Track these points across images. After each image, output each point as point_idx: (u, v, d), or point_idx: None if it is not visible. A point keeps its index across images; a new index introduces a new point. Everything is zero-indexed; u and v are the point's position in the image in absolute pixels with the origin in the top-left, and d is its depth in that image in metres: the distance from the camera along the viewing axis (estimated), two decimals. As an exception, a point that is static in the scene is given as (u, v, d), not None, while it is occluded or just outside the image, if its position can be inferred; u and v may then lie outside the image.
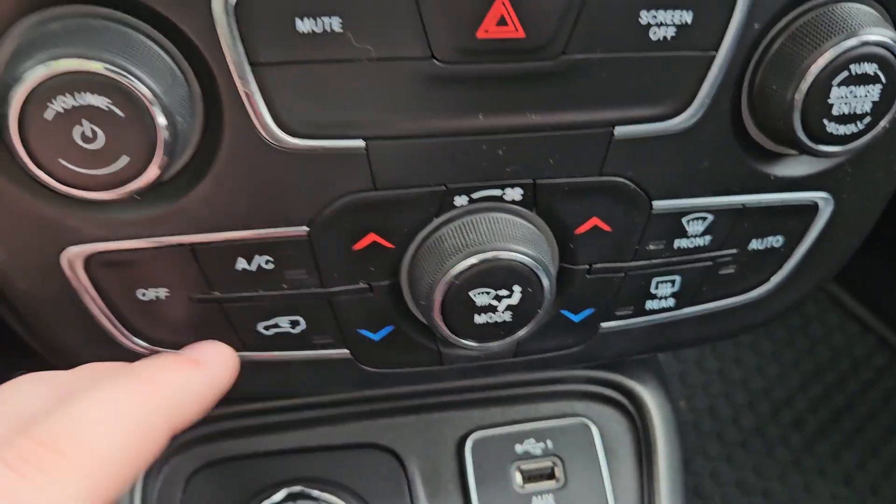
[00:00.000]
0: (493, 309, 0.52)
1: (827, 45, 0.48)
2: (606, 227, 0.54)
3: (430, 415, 0.72)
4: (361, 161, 0.47)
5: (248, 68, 0.43)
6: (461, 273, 0.50)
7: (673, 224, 0.55)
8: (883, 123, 0.51)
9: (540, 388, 0.74)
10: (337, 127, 0.46)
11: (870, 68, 0.49)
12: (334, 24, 0.43)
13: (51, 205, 0.46)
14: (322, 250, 0.50)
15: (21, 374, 0.45)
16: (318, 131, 0.46)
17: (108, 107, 0.40)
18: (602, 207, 0.53)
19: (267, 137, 0.45)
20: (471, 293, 0.51)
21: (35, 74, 0.39)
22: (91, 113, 0.40)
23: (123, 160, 0.42)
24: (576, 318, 0.59)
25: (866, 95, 0.49)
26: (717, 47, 0.48)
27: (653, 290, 0.59)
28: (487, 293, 0.51)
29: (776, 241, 0.59)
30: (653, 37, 0.47)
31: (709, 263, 0.59)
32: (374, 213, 0.50)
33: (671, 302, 0.60)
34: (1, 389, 0.43)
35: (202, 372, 0.48)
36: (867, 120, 0.50)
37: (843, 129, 0.50)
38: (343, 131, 0.46)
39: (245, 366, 0.54)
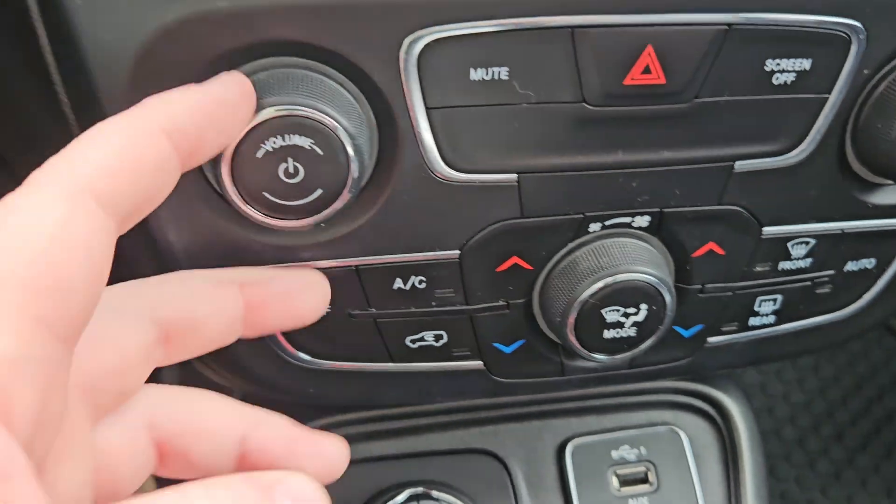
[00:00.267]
0: (620, 325, 0.57)
1: (931, 88, 0.53)
2: (720, 251, 0.59)
3: (532, 423, 0.78)
4: (512, 193, 0.53)
5: (423, 111, 0.49)
6: (595, 293, 0.56)
7: (779, 248, 0.61)
8: None
9: (632, 398, 0.79)
10: (494, 162, 0.52)
11: (969, 109, 0.54)
12: (503, 73, 0.48)
13: (238, 232, 0.51)
14: (469, 271, 0.56)
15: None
16: (477, 167, 0.52)
17: (310, 146, 0.46)
18: (718, 233, 0.58)
19: (433, 172, 0.51)
20: (603, 311, 0.56)
21: (255, 118, 0.45)
22: (295, 152, 0.46)
23: (318, 192, 0.47)
24: (686, 334, 0.64)
25: None
26: (830, 90, 0.54)
27: (756, 308, 0.64)
28: (617, 311, 0.57)
29: (869, 262, 0.64)
30: (775, 81, 0.52)
31: (808, 283, 0.64)
32: (519, 239, 0.55)
33: (772, 319, 0.65)
34: None
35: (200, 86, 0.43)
36: None
37: (941, 164, 0.55)
38: (499, 166, 0.52)
39: (391, 376, 0.60)
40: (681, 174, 0.55)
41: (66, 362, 0.35)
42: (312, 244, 0.53)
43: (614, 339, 0.58)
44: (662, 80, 0.50)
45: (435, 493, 0.71)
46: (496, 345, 0.61)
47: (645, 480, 0.77)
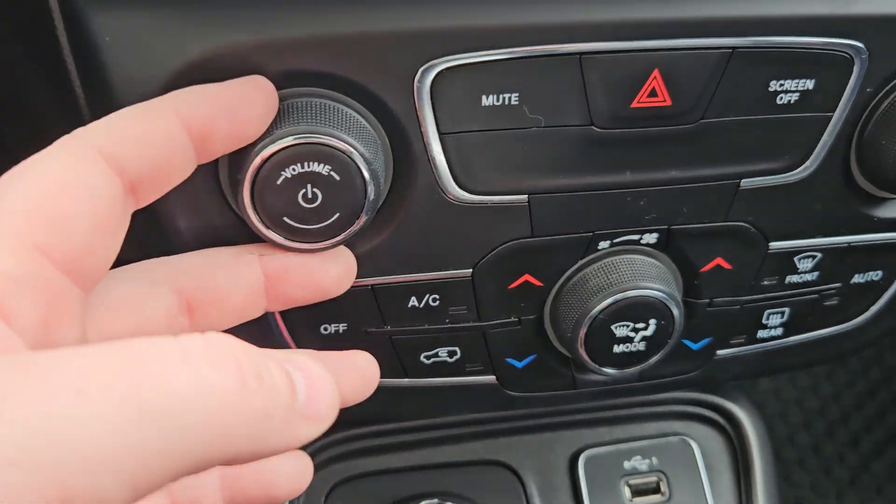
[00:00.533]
0: (630, 340, 0.59)
1: (932, 106, 0.54)
2: (728, 266, 0.61)
3: (544, 434, 0.79)
4: (523, 213, 0.54)
5: (436, 136, 0.50)
6: (605, 309, 0.57)
7: (786, 262, 0.62)
8: None
9: (643, 409, 0.80)
10: (505, 184, 0.53)
11: (970, 126, 0.55)
12: (513, 98, 0.50)
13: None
14: (481, 289, 0.57)
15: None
16: (488, 188, 0.53)
17: (328, 172, 0.47)
18: (725, 248, 0.60)
19: (446, 195, 0.52)
20: (612, 326, 0.58)
21: (272, 147, 0.46)
22: (314, 178, 0.47)
23: (335, 216, 0.49)
24: (695, 347, 0.65)
25: None
26: (833, 109, 0.55)
27: (764, 321, 0.65)
28: (627, 326, 0.58)
29: (876, 275, 0.65)
30: (779, 101, 0.54)
31: (815, 296, 0.65)
32: (529, 257, 0.57)
33: (780, 331, 0.66)
34: None
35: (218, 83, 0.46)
36: None
37: (944, 179, 0.57)
38: (510, 188, 0.53)
39: (407, 391, 0.61)
40: (688, 192, 0.56)
41: (72, 292, 0.38)
42: None
43: (624, 353, 0.59)
44: (669, 103, 0.52)
45: (450, 504, 0.72)
46: (508, 360, 0.62)
47: (657, 490, 0.78)
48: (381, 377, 0.61)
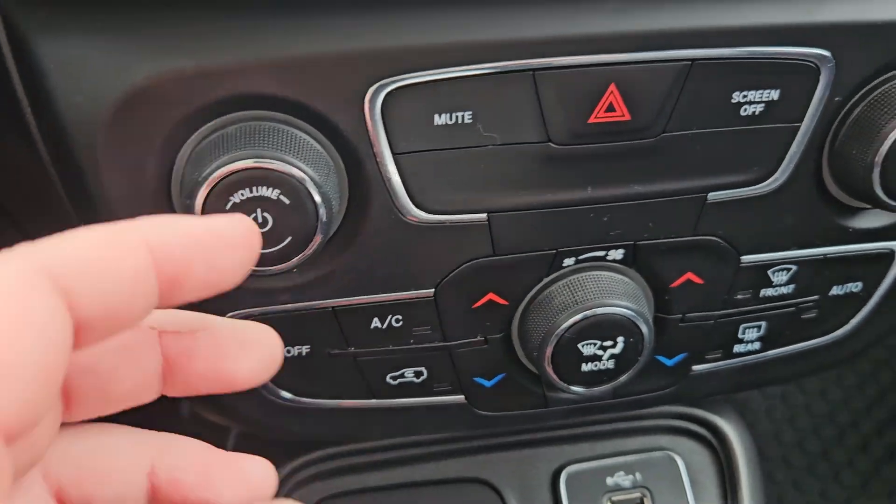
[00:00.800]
0: (598, 358, 0.58)
1: (905, 113, 0.53)
2: (699, 280, 0.59)
3: (525, 450, 0.78)
4: (483, 232, 0.53)
5: (390, 157, 0.50)
6: (571, 327, 0.56)
7: (759, 275, 0.60)
8: None
9: (627, 423, 0.79)
10: (463, 203, 0.52)
11: (943, 133, 0.53)
12: (466, 117, 0.49)
13: (215, 277, 0.53)
14: (445, 309, 0.57)
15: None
16: (447, 207, 0.52)
17: (278, 196, 0.47)
18: (695, 263, 0.58)
19: (404, 215, 0.52)
20: (579, 345, 0.57)
21: (219, 172, 0.46)
22: (263, 202, 0.47)
23: (287, 240, 0.48)
24: (669, 363, 0.64)
25: None
26: (801, 119, 0.53)
27: (740, 335, 0.64)
28: (594, 344, 0.57)
29: (855, 286, 0.64)
30: (743, 113, 0.52)
31: (792, 309, 0.63)
32: (492, 276, 0.56)
33: (757, 345, 0.65)
34: None
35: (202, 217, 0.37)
36: None
37: (919, 187, 0.55)
38: (468, 207, 0.52)
39: (374, 412, 0.60)
40: (653, 207, 0.55)
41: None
42: (289, 287, 0.54)
43: (592, 371, 0.58)
44: (627, 117, 0.51)
45: (429, 523, 0.72)
46: (477, 379, 0.61)
47: (641, 506, 0.77)
48: (348, 398, 0.61)
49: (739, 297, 0.61)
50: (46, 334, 0.30)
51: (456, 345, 0.59)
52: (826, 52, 0.51)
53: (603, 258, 0.57)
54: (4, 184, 0.60)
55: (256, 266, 0.49)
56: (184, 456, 0.40)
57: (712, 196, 0.55)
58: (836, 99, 0.53)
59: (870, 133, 0.54)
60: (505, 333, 0.60)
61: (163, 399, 0.48)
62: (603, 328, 0.56)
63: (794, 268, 0.61)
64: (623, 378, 0.59)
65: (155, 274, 0.34)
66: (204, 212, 0.47)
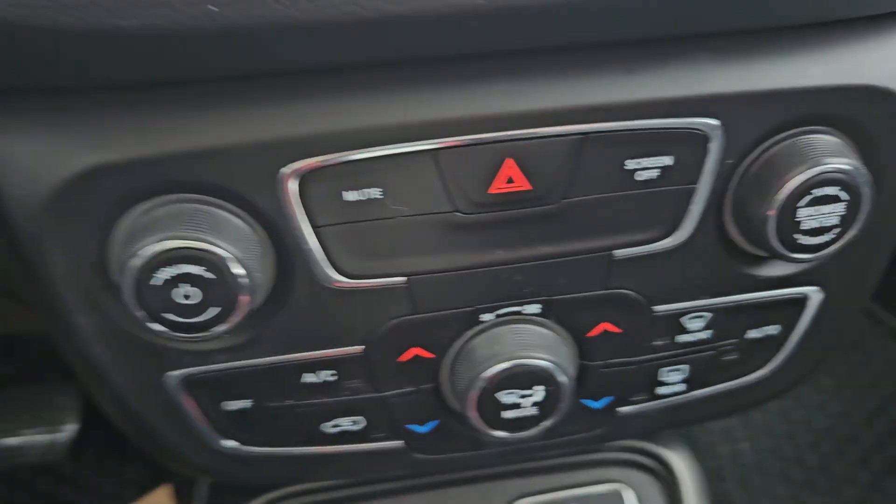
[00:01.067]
0: (518, 406, 0.62)
1: (792, 173, 0.56)
2: (616, 329, 0.63)
3: (479, 485, 0.82)
4: (404, 293, 0.58)
5: (310, 230, 0.54)
6: (491, 378, 0.60)
7: (674, 323, 0.64)
8: (852, 233, 0.59)
9: (578, 457, 0.82)
10: (383, 269, 0.57)
11: (832, 190, 0.57)
12: (375, 193, 0.54)
13: (156, 342, 0.57)
14: (375, 363, 0.61)
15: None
16: (368, 272, 0.57)
17: (201, 272, 0.51)
18: (609, 314, 0.62)
19: (326, 281, 0.56)
20: (498, 394, 0.61)
21: (145, 252, 0.50)
22: (189, 277, 0.51)
23: (214, 310, 0.53)
24: (596, 405, 0.68)
25: (832, 212, 0.57)
26: (696, 181, 0.57)
27: (662, 378, 0.67)
28: (514, 393, 0.61)
29: (773, 329, 0.67)
30: (638, 178, 0.56)
31: (711, 352, 0.67)
32: (417, 332, 0.60)
33: (682, 387, 0.68)
34: None
35: None
36: (837, 230, 0.58)
37: (814, 241, 0.58)
38: (387, 271, 0.57)
39: (316, 458, 0.65)
40: (562, 266, 0.59)
41: None
42: (225, 348, 0.59)
43: (516, 418, 0.62)
44: (528, 187, 0.55)
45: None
46: (411, 427, 0.65)
47: (590, 539, 0.80)
48: (290, 446, 0.65)
49: (658, 342, 0.65)
50: None
51: (388, 395, 0.63)
52: (714, 121, 0.55)
53: (520, 313, 0.61)
54: None
55: (188, 333, 0.54)
56: None
57: (619, 253, 0.59)
58: (728, 161, 0.57)
59: (763, 191, 0.57)
60: (435, 384, 0.64)
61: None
62: (522, 378, 0.60)
63: (708, 315, 0.64)
64: (547, 423, 0.63)
65: None
66: (135, 287, 0.51)
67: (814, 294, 0.66)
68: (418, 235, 0.56)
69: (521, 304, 0.61)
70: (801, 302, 0.66)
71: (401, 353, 0.61)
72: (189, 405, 0.61)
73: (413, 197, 0.54)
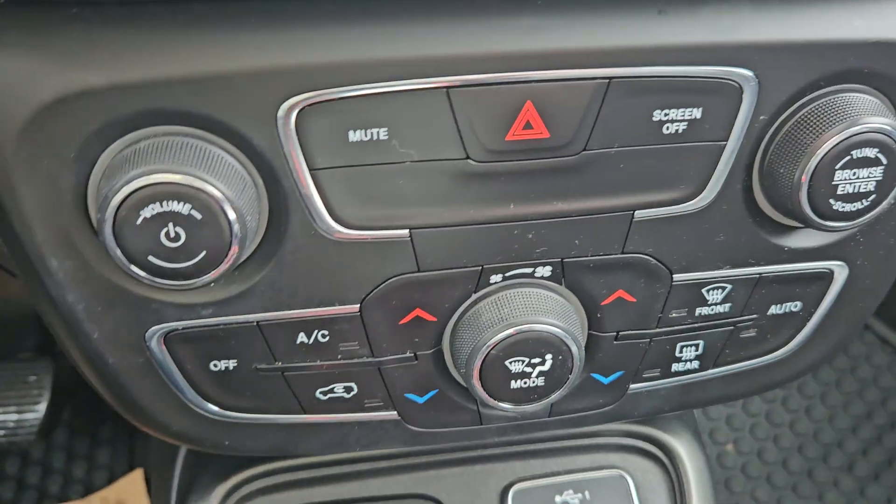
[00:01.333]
0: (527, 375, 0.57)
1: (830, 132, 0.53)
2: (631, 298, 0.59)
3: (474, 467, 0.77)
4: (406, 248, 0.53)
5: (307, 173, 0.50)
6: (498, 343, 0.56)
7: (694, 294, 0.60)
8: (889, 200, 0.55)
9: (577, 441, 0.78)
10: (384, 219, 0.52)
11: (871, 152, 0.53)
12: (381, 133, 0.49)
13: (137, 291, 0.53)
14: (372, 325, 0.56)
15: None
16: (367, 223, 0.52)
17: (189, 212, 0.47)
18: (626, 280, 0.58)
19: (323, 231, 0.52)
20: (506, 362, 0.56)
21: (128, 187, 0.46)
22: (175, 217, 0.47)
23: (202, 254, 0.48)
24: (605, 381, 0.64)
25: (869, 176, 0.54)
26: (726, 138, 0.53)
27: (678, 354, 0.63)
28: (522, 361, 0.57)
29: (794, 306, 0.63)
30: (665, 131, 0.52)
31: (730, 328, 0.63)
32: (418, 292, 0.56)
33: (696, 364, 0.64)
34: None
35: None
36: (872, 198, 0.55)
37: (848, 207, 0.55)
38: (390, 223, 0.52)
39: (304, 427, 0.60)
40: (578, 225, 0.55)
41: None
42: (211, 301, 0.54)
43: (522, 388, 0.58)
44: (546, 135, 0.51)
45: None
46: (409, 395, 0.61)
47: (589, 525, 0.76)
48: (277, 413, 0.61)
49: (674, 315, 0.61)
50: None
51: (385, 361, 0.59)
52: (748, 72, 0.51)
53: (531, 275, 0.57)
54: None
55: (173, 280, 0.49)
56: None
57: (640, 214, 0.55)
58: (762, 118, 0.53)
59: (796, 152, 0.53)
60: (436, 350, 0.59)
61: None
62: (530, 346, 0.56)
63: (728, 286, 0.60)
64: (555, 396, 0.59)
65: None
66: (115, 225, 0.47)
67: (838, 269, 0.62)
68: (425, 184, 0.52)
69: (532, 266, 0.56)
70: (825, 277, 0.62)
71: (400, 316, 0.57)
72: (171, 364, 0.57)
73: (422, 140, 0.50)
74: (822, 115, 0.53)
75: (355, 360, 0.58)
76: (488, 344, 0.56)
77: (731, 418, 1.73)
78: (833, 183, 0.53)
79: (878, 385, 1.81)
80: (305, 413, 0.61)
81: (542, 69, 0.49)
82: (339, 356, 0.58)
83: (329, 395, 0.60)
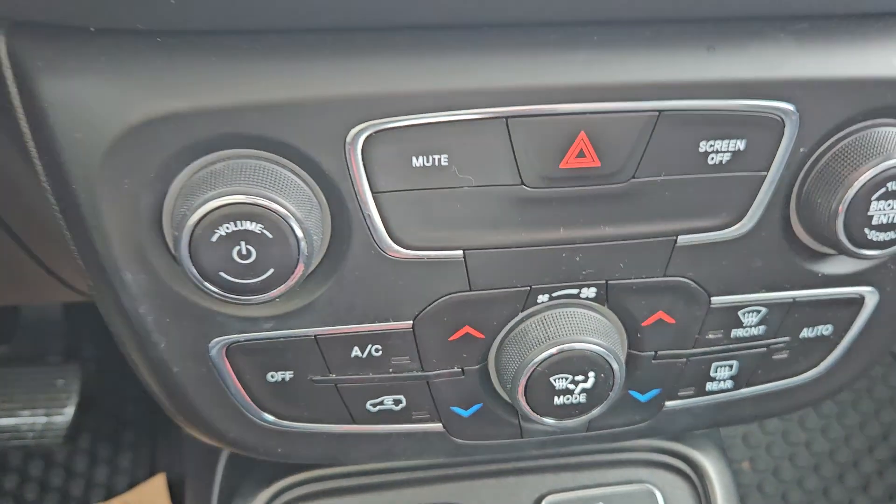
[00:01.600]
0: (570, 392, 0.60)
1: (867, 165, 0.55)
2: (670, 320, 0.61)
3: (508, 478, 0.80)
4: (459, 268, 0.56)
5: (370, 195, 0.52)
6: (543, 361, 0.58)
7: (730, 316, 0.62)
8: None
9: (608, 455, 0.81)
10: (440, 240, 0.55)
11: (905, 185, 0.55)
12: (442, 160, 0.52)
13: (204, 304, 0.55)
14: (423, 340, 0.59)
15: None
16: (424, 244, 0.55)
17: (260, 231, 0.50)
18: (666, 302, 0.61)
19: (382, 250, 0.54)
20: (551, 378, 0.59)
21: (205, 207, 0.49)
22: (247, 236, 0.50)
23: (270, 271, 0.51)
24: (642, 398, 0.66)
25: None
26: (767, 168, 0.56)
27: (712, 374, 0.66)
28: (566, 378, 0.59)
29: (826, 329, 0.66)
30: (710, 161, 0.55)
31: (763, 350, 0.65)
32: (469, 310, 0.58)
33: (729, 384, 0.67)
34: None
35: None
36: None
37: (882, 236, 0.57)
38: (445, 244, 0.55)
39: (354, 437, 0.63)
40: (624, 248, 0.57)
41: None
42: (273, 315, 0.57)
43: (565, 404, 0.60)
44: (597, 163, 0.53)
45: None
46: (454, 408, 0.64)
47: (619, 538, 0.78)
48: (329, 423, 0.63)
49: (711, 336, 0.63)
50: None
51: (433, 375, 0.61)
52: (790, 106, 0.54)
53: (576, 296, 0.59)
54: (8, 202, 0.64)
55: (241, 295, 0.52)
56: None
57: (682, 239, 0.58)
58: (802, 150, 0.56)
59: (834, 183, 0.56)
60: (482, 365, 0.62)
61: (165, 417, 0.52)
62: (574, 363, 0.59)
63: (763, 310, 0.63)
64: (595, 412, 0.61)
65: None
66: (191, 243, 0.49)
67: (869, 295, 0.64)
68: (480, 208, 0.54)
69: (578, 287, 0.59)
70: (857, 302, 0.65)
71: (450, 332, 0.59)
72: (231, 374, 0.59)
73: (480, 166, 0.53)
74: (859, 149, 0.56)
75: (405, 374, 0.61)
76: (534, 361, 0.58)
77: (748, 436, 1.75)
78: (868, 213, 0.56)
79: (895, 405, 1.81)
80: (355, 423, 0.63)
81: (596, 101, 0.51)
82: (391, 370, 0.60)
83: (379, 407, 0.63)
